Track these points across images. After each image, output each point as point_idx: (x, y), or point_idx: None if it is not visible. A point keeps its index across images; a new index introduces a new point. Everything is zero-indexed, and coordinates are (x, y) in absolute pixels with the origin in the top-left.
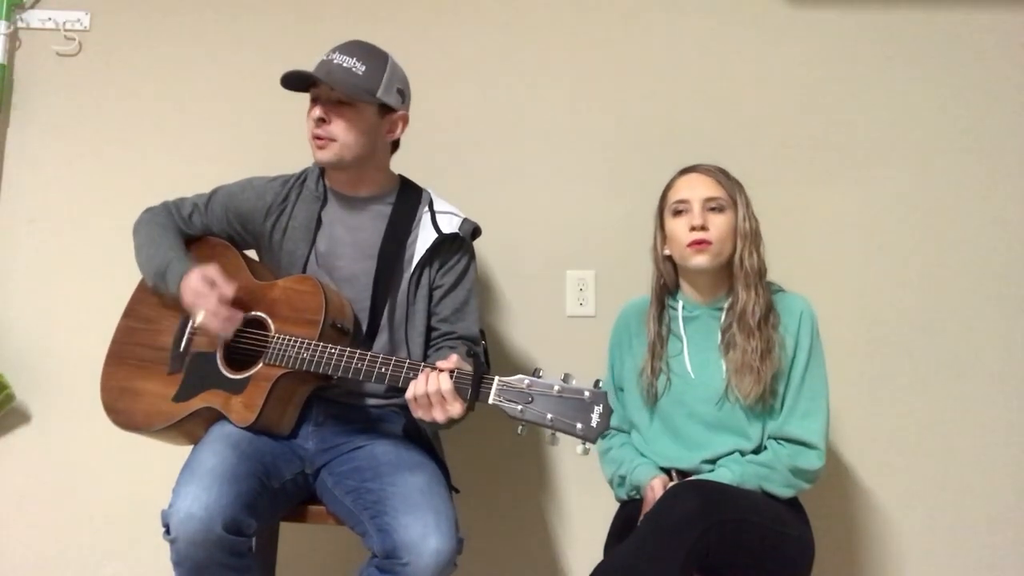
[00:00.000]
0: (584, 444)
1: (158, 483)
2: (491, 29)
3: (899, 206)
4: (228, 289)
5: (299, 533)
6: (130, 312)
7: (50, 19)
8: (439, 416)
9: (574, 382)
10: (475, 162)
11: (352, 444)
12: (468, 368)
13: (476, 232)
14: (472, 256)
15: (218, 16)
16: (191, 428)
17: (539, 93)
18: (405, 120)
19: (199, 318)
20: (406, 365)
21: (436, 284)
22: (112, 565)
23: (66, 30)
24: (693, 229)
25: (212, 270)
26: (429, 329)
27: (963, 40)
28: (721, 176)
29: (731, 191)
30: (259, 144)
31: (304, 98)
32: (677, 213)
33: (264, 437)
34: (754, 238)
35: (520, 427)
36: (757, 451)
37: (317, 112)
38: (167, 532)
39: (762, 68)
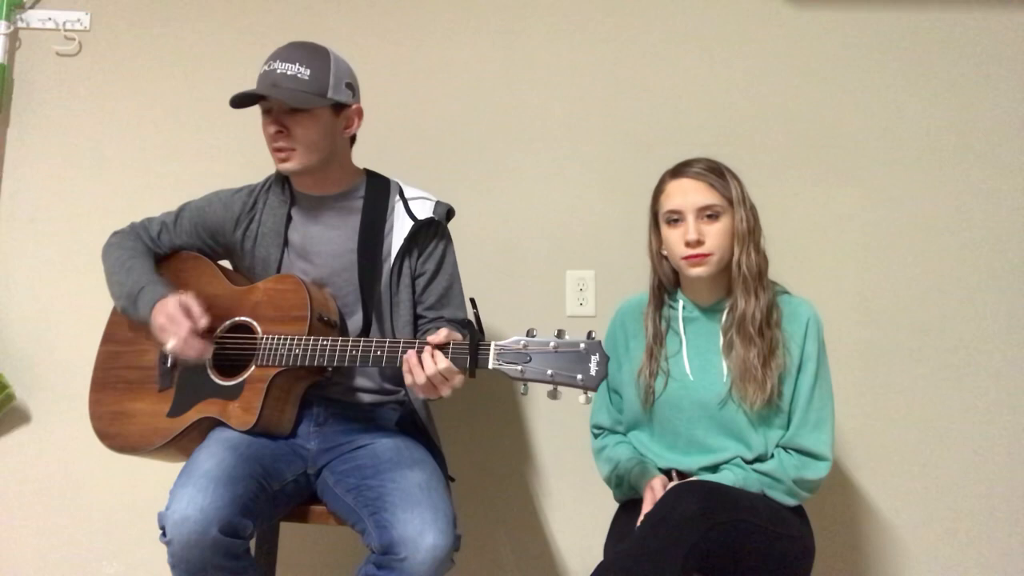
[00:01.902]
0: (586, 393)
1: (158, 483)
2: (490, 29)
3: (899, 206)
4: (204, 320)
5: (299, 533)
6: (109, 337)
7: (50, 19)
8: (445, 392)
9: (568, 336)
10: (475, 162)
11: (355, 443)
12: (459, 338)
13: (450, 213)
14: (449, 239)
15: (218, 16)
16: (188, 443)
17: (539, 93)
18: (360, 113)
19: (169, 345)
20: (401, 344)
21: (418, 272)
22: (112, 565)
23: (66, 30)
24: (688, 244)
25: (190, 298)
26: (416, 317)
27: (963, 40)
28: (713, 178)
29: (726, 192)
30: (258, 144)
31: None
32: (671, 223)
33: (264, 439)
34: (752, 236)
35: (523, 387)
36: (757, 459)
37: (272, 127)
38: (163, 534)
39: (762, 68)
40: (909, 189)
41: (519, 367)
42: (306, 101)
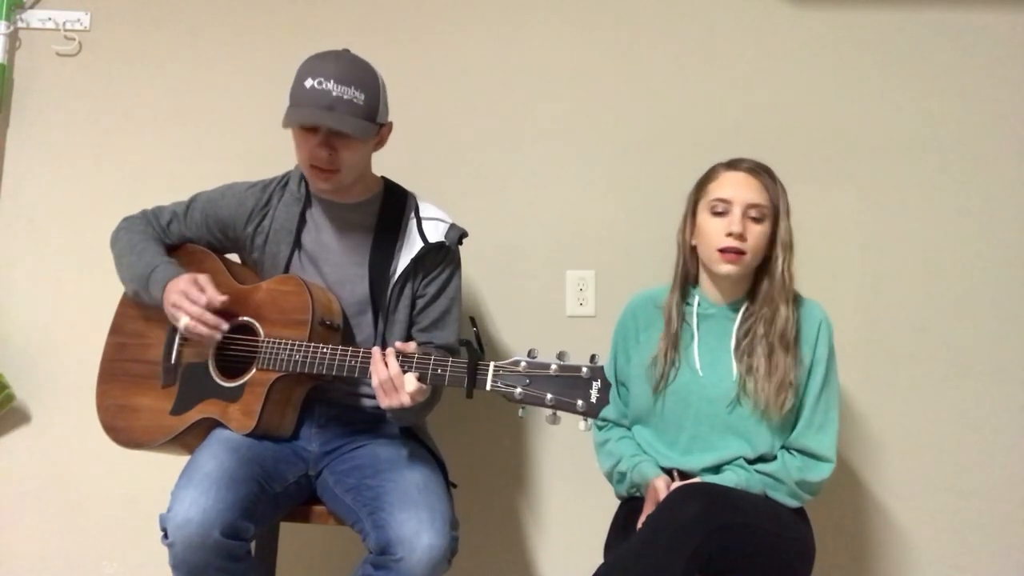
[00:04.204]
0: (586, 420)
1: (158, 483)
2: (491, 29)
3: (899, 206)
4: (217, 297)
5: (299, 533)
6: (117, 328)
7: (50, 19)
8: (404, 399)
9: (570, 359)
10: (475, 162)
11: (354, 444)
12: (412, 349)
13: (462, 237)
14: (457, 264)
15: (218, 16)
16: (191, 440)
17: (539, 93)
18: (391, 128)
19: (182, 323)
20: (399, 359)
21: (419, 294)
22: (112, 565)
23: (66, 30)
24: (730, 235)
25: (203, 277)
26: (408, 338)
27: (964, 40)
28: (768, 180)
29: (775, 197)
30: (259, 143)
31: None
32: (715, 212)
33: (265, 441)
34: (792, 250)
35: (521, 410)
36: (760, 459)
37: (323, 150)
38: (165, 536)
39: (763, 68)
40: (909, 189)
41: (518, 390)
42: (364, 130)
